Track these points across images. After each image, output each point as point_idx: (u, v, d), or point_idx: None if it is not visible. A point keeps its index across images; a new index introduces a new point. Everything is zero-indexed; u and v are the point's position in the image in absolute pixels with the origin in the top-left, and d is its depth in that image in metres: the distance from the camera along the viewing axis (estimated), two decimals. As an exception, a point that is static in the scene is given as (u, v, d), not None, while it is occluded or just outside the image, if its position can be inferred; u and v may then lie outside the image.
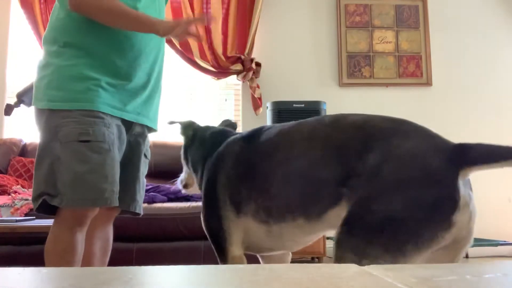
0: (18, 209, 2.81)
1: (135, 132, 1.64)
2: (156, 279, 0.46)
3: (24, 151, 3.63)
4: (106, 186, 1.45)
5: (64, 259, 1.44)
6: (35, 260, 2.75)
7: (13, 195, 2.99)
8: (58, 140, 1.44)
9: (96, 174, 1.43)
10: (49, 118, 1.47)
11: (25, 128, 3.97)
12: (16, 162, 3.48)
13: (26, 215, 2.77)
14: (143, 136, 1.68)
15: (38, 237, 2.66)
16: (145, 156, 1.72)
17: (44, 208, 1.48)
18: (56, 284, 0.45)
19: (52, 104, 1.47)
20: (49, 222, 2.36)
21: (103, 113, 1.47)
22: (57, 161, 1.43)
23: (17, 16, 3.98)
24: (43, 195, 1.45)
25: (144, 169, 1.71)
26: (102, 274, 0.49)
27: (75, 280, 0.47)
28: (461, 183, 0.94)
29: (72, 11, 1.49)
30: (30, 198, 2.89)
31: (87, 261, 1.58)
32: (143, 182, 1.72)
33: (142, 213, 1.70)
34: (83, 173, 1.42)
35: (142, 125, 1.66)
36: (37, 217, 2.64)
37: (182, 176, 1.70)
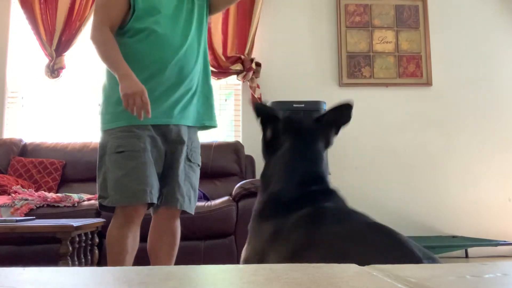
0: (18, 209, 2.81)
1: (172, 139, 1.87)
2: (155, 279, 0.46)
3: (24, 151, 3.62)
4: (138, 187, 1.75)
5: (114, 249, 1.78)
6: (36, 260, 2.76)
7: (13, 195, 2.99)
8: (106, 154, 1.82)
9: (130, 177, 1.76)
10: (102, 137, 1.87)
11: (25, 128, 3.97)
12: (16, 162, 3.48)
13: (26, 215, 2.77)
14: (181, 143, 1.89)
15: (38, 237, 2.67)
16: (189, 160, 1.94)
17: (104, 208, 1.84)
18: (56, 284, 0.45)
19: (103, 126, 1.86)
20: (48, 222, 2.36)
21: (135, 126, 1.79)
22: (107, 170, 1.81)
23: (17, 16, 3.98)
24: (99, 198, 1.83)
25: (190, 172, 1.94)
26: (102, 274, 0.49)
27: (76, 280, 0.47)
28: None
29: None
30: (29, 198, 2.91)
31: (155, 253, 1.91)
32: (192, 184, 1.95)
33: (193, 213, 1.97)
34: (121, 177, 1.77)
35: (179, 129, 1.88)
36: (37, 217, 2.64)
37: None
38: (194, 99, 1.94)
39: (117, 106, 1.82)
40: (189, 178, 1.94)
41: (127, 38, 1.86)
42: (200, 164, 2.02)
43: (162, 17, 1.86)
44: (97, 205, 1.87)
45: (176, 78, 1.87)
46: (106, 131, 1.85)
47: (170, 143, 1.88)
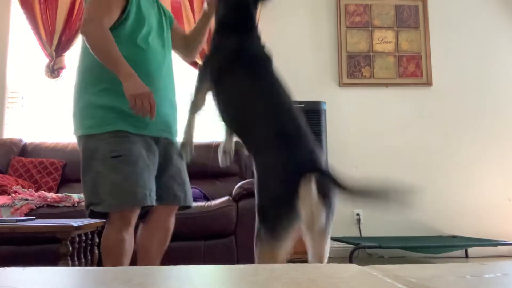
0: (18, 209, 2.81)
1: (162, 144, 1.91)
2: (155, 279, 0.46)
3: (24, 151, 3.62)
4: (138, 190, 1.74)
5: (112, 253, 1.75)
6: (35, 260, 2.76)
7: (13, 195, 2.99)
8: (97, 159, 1.75)
9: (129, 181, 1.73)
10: (87, 142, 1.79)
11: (25, 128, 3.97)
12: (16, 162, 3.48)
13: (26, 215, 2.76)
14: (170, 145, 1.95)
15: (38, 237, 2.67)
16: (181, 157, 1.98)
17: (95, 215, 1.78)
18: (56, 284, 0.45)
19: (88, 130, 1.79)
20: (48, 222, 2.36)
21: (128, 132, 1.77)
22: (97, 175, 1.75)
23: (17, 16, 3.98)
24: (90, 205, 1.77)
25: (182, 165, 1.99)
26: (102, 274, 0.49)
27: (76, 280, 0.47)
28: (302, 184, 1.33)
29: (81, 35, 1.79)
30: (29, 198, 2.91)
31: (145, 248, 1.90)
32: (186, 178, 1.99)
33: (192, 205, 2.00)
34: (119, 182, 1.73)
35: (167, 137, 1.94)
36: (37, 217, 2.64)
37: None
38: (164, 108, 1.93)
39: (106, 110, 1.78)
40: (184, 172, 1.99)
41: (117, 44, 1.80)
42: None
43: (151, 31, 1.87)
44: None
45: (163, 91, 1.89)
46: (92, 136, 1.78)
47: (163, 147, 1.92)
